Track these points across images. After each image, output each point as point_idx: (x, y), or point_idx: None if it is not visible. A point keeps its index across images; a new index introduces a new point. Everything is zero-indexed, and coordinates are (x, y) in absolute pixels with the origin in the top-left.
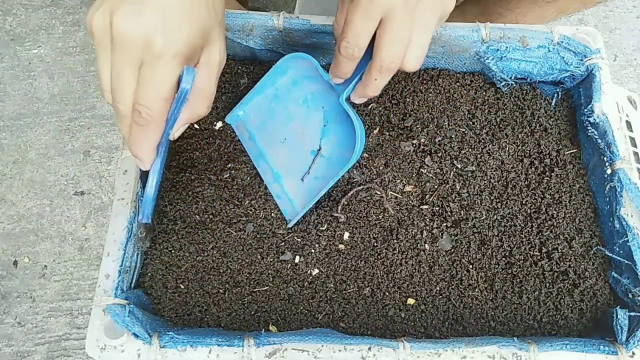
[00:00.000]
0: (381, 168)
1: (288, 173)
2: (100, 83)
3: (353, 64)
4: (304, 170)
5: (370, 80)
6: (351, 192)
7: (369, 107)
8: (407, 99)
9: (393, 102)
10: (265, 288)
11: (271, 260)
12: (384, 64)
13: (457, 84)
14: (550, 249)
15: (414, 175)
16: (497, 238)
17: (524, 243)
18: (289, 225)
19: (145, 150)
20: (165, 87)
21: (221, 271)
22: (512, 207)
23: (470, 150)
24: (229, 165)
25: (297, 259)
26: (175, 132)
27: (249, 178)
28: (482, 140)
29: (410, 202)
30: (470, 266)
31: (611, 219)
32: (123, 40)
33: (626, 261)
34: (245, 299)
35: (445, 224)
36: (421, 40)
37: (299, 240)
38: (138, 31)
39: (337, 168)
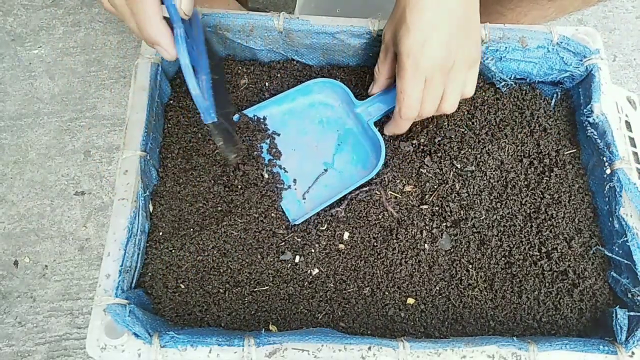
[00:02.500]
0: (381, 168)
1: (297, 176)
2: None
3: (410, 122)
4: (314, 178)
5: (407, 124)
6: (351, 193)
7: None
8: None
9: None
10: (266, 288)
11: (271, 260)
12: (423, 115)
13: None
14: (549, 248)
15: (413, 175)
16: (497, 238)
17: (523, 243)
18: (294, 223)
19: (152, 28)
20: None
21: (221, 271)
22: (511, 207)
23: (469, 150)
24: (229, 165)
25: (297, 259)
26: (182, 4)
27: (250, 177)
28: (482, 141)
29: (410, 202)
30: (470, 266)
31: (610, 219)
32: None
33: (625, 261)
34: (246, 299)
35: (444, 224)
36: (455, 90)
37: (299, 240)
38: None
39: (348, 181)
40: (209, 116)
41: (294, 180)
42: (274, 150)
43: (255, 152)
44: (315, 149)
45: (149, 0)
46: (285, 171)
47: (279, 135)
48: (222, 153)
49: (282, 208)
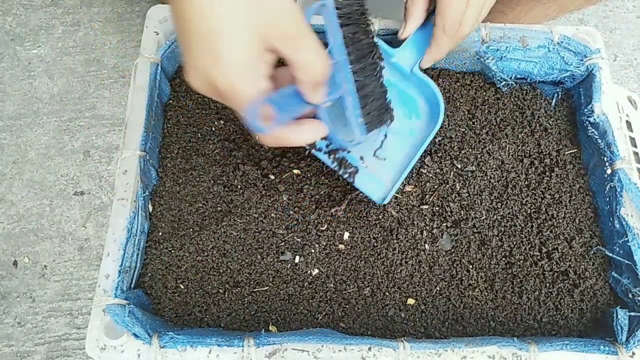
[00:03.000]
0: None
1: (361, 153)
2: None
3: (453, 40)
4: (377, 147)
5: (450, 44)
6: (351, 194)
7: None
8: None
9: None
10: (265, 288)
11: (271, 260)
12: (466, 32)
13: (457, 84)
14: (550, 249)
15: (414, 175)
16: (497, 238)
17: (524, 243)
18: (384, 202)
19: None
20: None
21: (221, 271)
22: (512, 207)
23: (470, 150)
24: (229, 164)
25: (297, 259)
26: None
27: (250, 177)
28: (482, 140)
29: (410, 202)
30: (470, 266)
31: (611, 219)
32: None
33: (626, 261)
34: (245, 299)
35: (445, 224)
36: (490, 4)
37: (299, 240)
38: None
39: (411, 137)
40: (360, 137)
41: (361, 158)
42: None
43: (309, 145)
44: None
45: (277, 138)
46: (348, 151)
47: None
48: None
49: (362, 189)
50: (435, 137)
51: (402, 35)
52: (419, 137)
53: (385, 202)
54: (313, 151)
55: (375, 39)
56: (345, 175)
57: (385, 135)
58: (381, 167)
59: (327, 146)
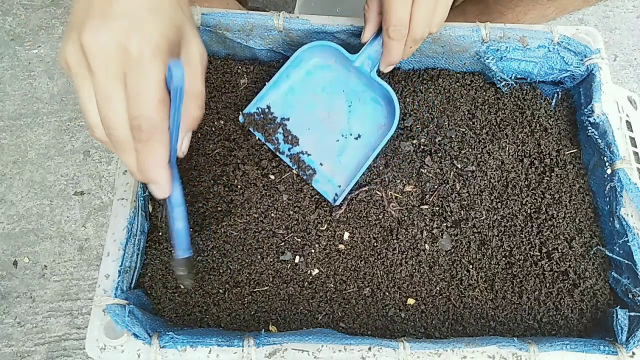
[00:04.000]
0: (381, 168)
1: (322, 156)
2: (87, 120)
3: (402, 43)
4: (338, 151)
5: (406, 48)
6: (351, 193)
7: None
8: (407, 99)
9: None
10: (265, 288)
11: (271, 260)
12: (417, 35)
13: (457, 84)
14: (550, 249)
15: (414, 175)
16: (497, 238)
17: (524, 243)
18: (335, 204)
19: (158, 169)
20: (157, 87)
21: (221, 271)
22: (512, 207)
23: (470, 150)
24: (230, 164)
25: (297, 259)
26: (182, 146)
27: (250, 177)
28: (482, 140)
29: (410, 202)
30: (470, 266)
31: (611, 219)
32: (97, 55)
33: (626, 261)
34: (245, 299)
35: (445, 224)
36: (444, 7)
37: (299, 240)
38: (110, 40)
39: (370, 142)
40: (189, 250)
41: (320, 162)
42: (289, 137)
43: (274, 146)
44: (329, 120)
45: (163, 144)
46: (308, 154)
47: (288, 119)
48: (180, 280)
49: (320, 191)
50: (435, 137)
51: (362, 39)
52: (374, 139)
53: (337, 203)
54: (277, 152)
55: (335, 45)
56: (305, 177)
57: (346, 138)
58: (337, 170)
59: (289, 149)
